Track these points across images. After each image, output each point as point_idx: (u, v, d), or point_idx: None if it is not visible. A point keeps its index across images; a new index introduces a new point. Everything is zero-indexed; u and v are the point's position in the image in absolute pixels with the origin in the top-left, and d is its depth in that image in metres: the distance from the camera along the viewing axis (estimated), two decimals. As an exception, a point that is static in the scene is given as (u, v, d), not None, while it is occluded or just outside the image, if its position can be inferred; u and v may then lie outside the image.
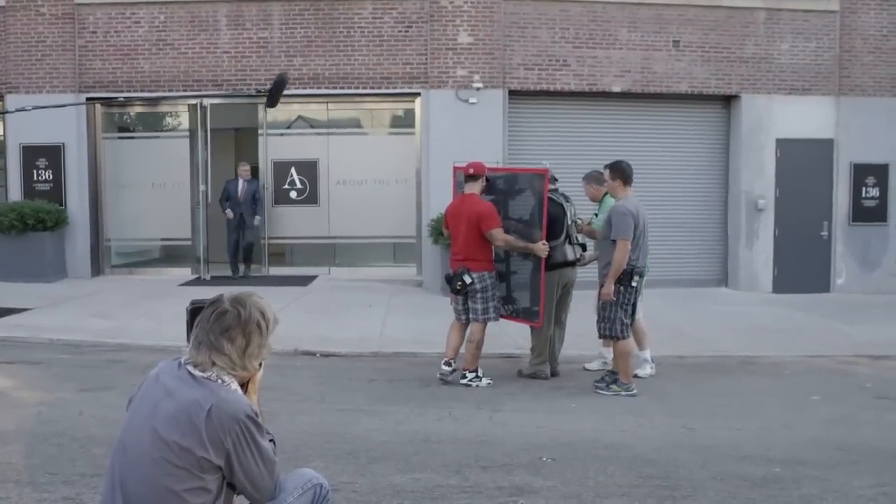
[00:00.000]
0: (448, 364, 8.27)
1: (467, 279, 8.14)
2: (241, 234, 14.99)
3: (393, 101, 15.32)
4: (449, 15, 14.35)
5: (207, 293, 3.22)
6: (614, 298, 7.81)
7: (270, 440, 3.10)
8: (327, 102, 15.27)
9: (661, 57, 14.95)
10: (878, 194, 15.55)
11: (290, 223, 15.55)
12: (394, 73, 14.44)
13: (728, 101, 15.51)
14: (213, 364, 2.91)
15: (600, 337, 8.25)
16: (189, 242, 15.64)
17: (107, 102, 14.92)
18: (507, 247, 8.33)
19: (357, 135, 15.91)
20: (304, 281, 14.69)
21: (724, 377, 8.90)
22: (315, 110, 15.62)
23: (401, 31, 14.46)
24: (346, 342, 10.01)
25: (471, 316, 8.28)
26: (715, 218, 15.49)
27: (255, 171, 15.47)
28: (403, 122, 15.62)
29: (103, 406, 6.94)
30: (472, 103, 14.26)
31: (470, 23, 14.34)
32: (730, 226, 15.41)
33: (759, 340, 10.72)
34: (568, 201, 8.66)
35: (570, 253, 8.60)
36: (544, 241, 8.16)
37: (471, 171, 8.32)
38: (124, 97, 14.71)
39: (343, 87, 14.55)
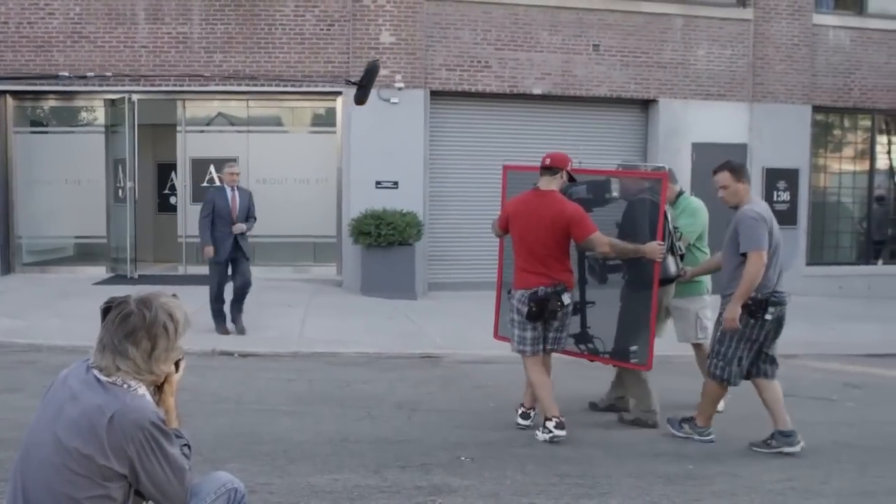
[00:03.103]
0: (526, 415, 6.87)
1: (566, 299, 6.51)
2: (234, 269, 10.62)
3: (314, 99, 15.21)
4: (371, 14, 14.31)
5: (123, 292, 3.15)
6: (739, 327, 6.19)
7: (185, 444, 3.04)
8: (248, 100, 15.08)
9: (581, 60, 15.14)
10: (788, 198, 16.02)
11: (208, 221, 15.30)
12: (315, 71, 14.34)
13: (646, 105, 15.78)
14: (118, 369, 2.81)
15: (708, 376, 6.54)
16: (104, 240, 15.30)
17: (20, 96, 14.55)
18: (615, 252, 6.53)
19: (278, 133, 15.75)
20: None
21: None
22: (235, 107, 15.41)
23: (323, 30, 14.38)
24: (264, 342, 9.93)
25: (551, 346, 6.74)
26: (633, 220, 15.68)
27: (171, 169, 15.05)
28: (325, 120, 15.52)
29: (12, 409, 6.75)
30: (394, 103, 14.24)
31: (392, 23, 14.32)
32: (647, 228, 15.61)
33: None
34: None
35: (673, 266, 6.88)
36: (659, 241, 6.50)
37: (547, 161, 6.65)
38: (89, 90, 14.29)
39: (264, 85, 14.40)
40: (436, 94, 14.70)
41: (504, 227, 6.83)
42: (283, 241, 15.39)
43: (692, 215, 7.26)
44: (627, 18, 15.31)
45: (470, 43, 14.72)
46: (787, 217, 15.94)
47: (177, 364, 3.08)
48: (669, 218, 6.74)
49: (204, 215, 10.41)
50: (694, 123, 15.54)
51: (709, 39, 15.71)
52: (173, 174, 16.33)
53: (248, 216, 10.65)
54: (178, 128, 15.22)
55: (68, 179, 15.11)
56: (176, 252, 15.46)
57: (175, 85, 14.36)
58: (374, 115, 14.22)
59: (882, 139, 17.63)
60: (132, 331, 2.84)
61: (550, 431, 6.37)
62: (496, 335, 7.70)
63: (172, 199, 16.52)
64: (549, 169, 6.62)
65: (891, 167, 17.71)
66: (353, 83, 7.42)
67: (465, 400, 7.78)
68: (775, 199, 15.90)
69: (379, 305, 12.67)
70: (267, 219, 15.10)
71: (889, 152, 17.71)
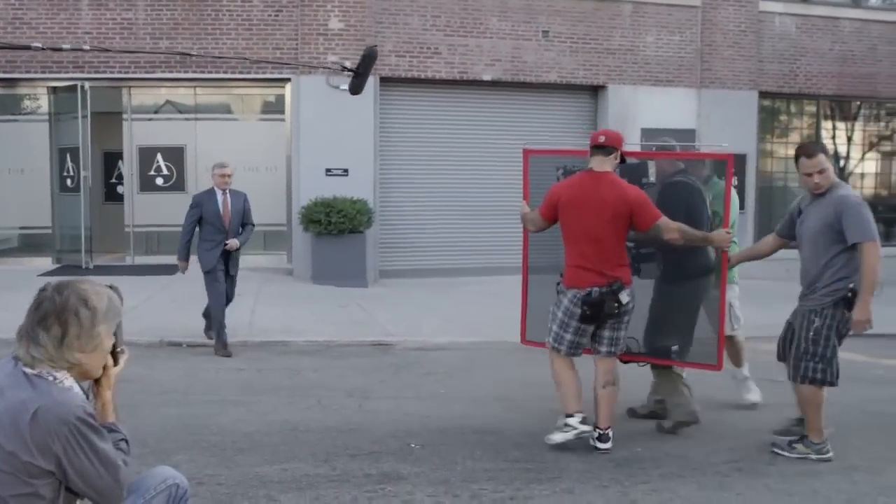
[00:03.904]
0: (585, 420, 5.89)
1: (624, 298, 5.74)
2: (228, 281, 9.40)
3: (263, 86, 15.08)
4: (320, 0, 14.19)
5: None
6: (871, 326, 5.53)
7: (122, 439, 2.95)
8: (195, 87, 14.90)
9: (531, 47, 15.16)
10: (736, 183, 16.00)
11: (156, 211, 15.10)
12: (263, 57, 14.19)
13: (595, 91, 15.86)
14: (34, 358, 2.71)
15: (802, 381, 5.73)
16: (49, 231, 15.04)
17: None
18: (683, 239, 5.82)
19: (226, 120, 15.57)
20: (172, 270, 14.20)
21: (590, 361, 9.08)
22: (183, 95, 15.21)
23: (271, 16, 14.23)
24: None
25: (607, 349, 5.95)
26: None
27: (118, 157, 14.81)
28: (274, 107, 15.38)
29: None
30: (343, 90, 14.12)
31: (341, 8, 14.22)
32: (598, 213, 15.71)
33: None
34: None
35: (713, 253, 6.32)
36: (727, 230, 6.02)
37: (601, 139, 5.89)
38: (31, 77, 14.00)
39: (211, 72, 14.22)
40: (385, 81, 14.64)
41: (550, 217, 6.02)
42: (232, 229, 15.23)
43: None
44: (576, 5, 15.35)
45: (419, 29, 14.67)
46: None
47: (116, 357, 2.99)
48: (708, 202, 6.25)
49: (187, 223, 9.25)
50: (643, 109, 15.65)
51: (657, 26, 15.82)
52: (120, 163, 16.09)
53: (244, 223, 9.47)
54: (124, 116, 14.98)
55: (11, 169, 14.82)
56: (124, 242, 15.25)
57: (120, 72, 14.13)
58: (323, 102, 14.13)
59: (827, 124, 17.92)
60: (44, 317, 2.73)
61: (575, 428, 5.78)
62: (524, 340, 7.05)
63: (119, 189, 16.29)
64: (602, 148, 5.84)
65: (836, 152, 17.99)
66: (350, 70, 7.19)
67: (416, 387, 7.78)
68: (724, 184, 16.05)
69: (330, 293, 12.61)
70: (215, 207, 14.99)
71: (834, 137, 17.99)
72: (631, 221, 5.77)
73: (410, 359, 9.02)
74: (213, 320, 9.14)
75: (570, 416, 5.84)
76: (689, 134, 15.86)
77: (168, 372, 8.05)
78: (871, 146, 18.26)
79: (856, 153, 18.28)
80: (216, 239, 9.14)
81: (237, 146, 15.04)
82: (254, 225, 9.75)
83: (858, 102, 18.11)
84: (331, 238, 13.51)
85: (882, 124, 18.80)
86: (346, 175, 14.23)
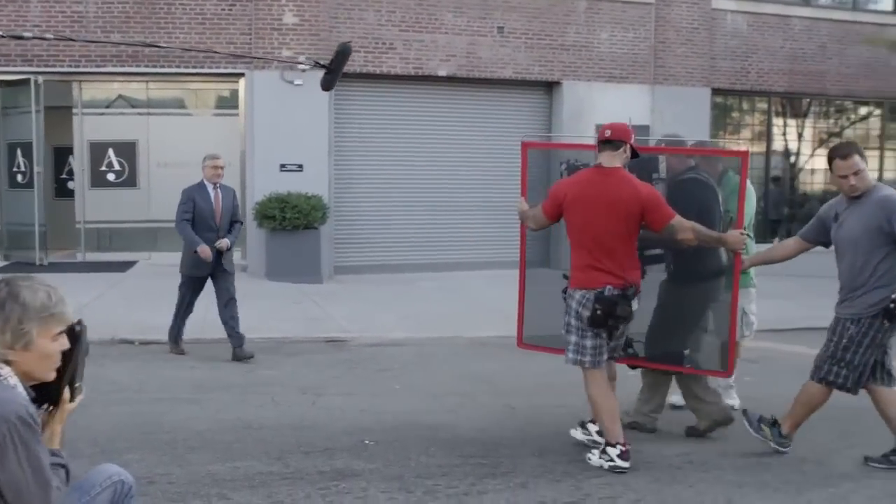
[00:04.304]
0: (624, 455, 5.42)
1: (635, 305, 5.47)
2: (216, 286, 8.89)
3: (216, 81, 14.93)
4: (274, -6, 14.09)
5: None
6: None
7: (62, 465, 2.83)
8: (147, 81, 14.71)
9: (486, 42, 15.17)
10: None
11: (108, 207, 14.91)
12: (217, 52, 14.05)
13: (550, 87, 15.92)
14: None
15: (819, 382, 5.57)
16: (-3, 226, 14.81)
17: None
18: (698, 239, 5.45)
19: (179, 115, 15.42)
20: (123, 267, 14.15)
21: (548, 356, 9.09)
22: (135, 89, 15.02)
23: (224, 10, 14.08)
24: (166, 329, 9.71)
25: (610, 354, 5.67)
26: (538, 201, 15.78)
27: (69, 152, 14.53)
28: (228, 103, 15.24)
29: None
30: (298, 85, 14.04)
31: (296, 2, 14.11)
32: (552, 209, 15.78)
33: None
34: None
35: (725, 255, 5.98)
36: (742, 230, 5.66)
37: (607, 133, 5.53)
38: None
39: (164, 66, 14.05)
40: (341, 76, 14.53)
41: (554, 215, 5.72)
42: (185, 225, 15.08)
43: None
44: (532, 1, 15.39)
45: (374, 24, 14.61)
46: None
47: (73, 392, 2.91)
48: (721, 200, 5.97)
49: (183, 216, 8.69)
50: (597, 105, 15.71)
51: (612, 22, 15.91)
52: (71, 158, 15.84)
53: (233, 220, 8.95)
54: (75, 110, 14.77)
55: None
56: (74, 239, 15.03)
57: (70, 66, 13.92)
58: (278, 97, 14.03)
59: (778, 121, 18.16)
60: None
61: (612, 460, 5.37)
62: (520, 343, 6.69)
63: (70, 185, 16.04)
64: (609, 142, 5.49)
65: (786, 148, 18.25)
66: (323, 66, 6.98)
67: (371, 383, 7.76)
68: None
69: (284, 290, 12.53)
70: (168, 204, 14.71)
71: (785, 134, 18.25)
72: (643, 220, 5.41)
73: (365, 355, 8.98)
74: (175, 319, 8.88)
75: (612, 445, 5.40)
76: (642, 130, 15.94)
77: (119, 370, 7.95)
78: (821, 143, 18.52)
79: (806, 150, 18.55)
80: (206, 238, 8.58)
81: (190, 141, 14.83)
82: (241, 222, 9.24)
83: (808, 99, 18.38)
84: (285, 234, 13.42)
85: (831, 121, 19.11)
86: (301, 171, 14.13)
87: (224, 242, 8.68)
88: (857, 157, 5.39)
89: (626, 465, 5.35)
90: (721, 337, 6.02)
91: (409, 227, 15.20)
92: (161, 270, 13.85)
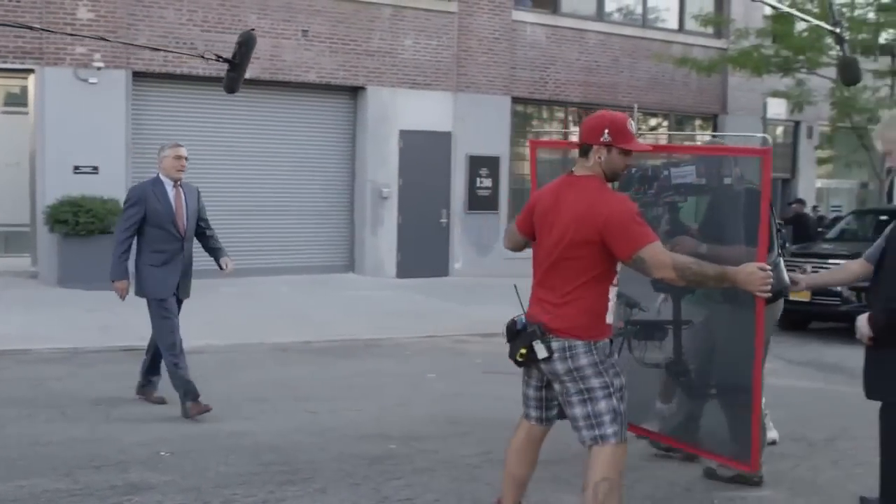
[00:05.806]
0: None
1: (539, 350, 4.02)
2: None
3: (4, 77, 14.14)
4: (67, -13, 13.48)
5: None
6: None
7: None
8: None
9: (291, 45, 15.07)
10: (490, 184, 16.86)
11: None
12: (3, 46, 13.30)
13: (355, 92, 15.98)
14: None
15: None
16: None
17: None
18: (684, 280, 3.97)
19: (-39, 112, 14.54)
20: None
21: (349, 360, 9.17)
22: None
23: (12, 1, 13.34)
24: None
25: (547, 413, 4.39)
26: (342, 206, 15.90)
27: None
28: (17, 100, 14.48)
29: None
30: (93, 83, 13.49)
31: (90, -3, 13.56)
32: (356, 213, 15.91)
33: (384, 323, 11.17)
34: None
35: (785, 274, 5.15)
36: (762, 265, 4.09)
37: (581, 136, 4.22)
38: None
39: (-58, 60, 13.20)
40: (139, 76, 14.10)
41: (526, 229, 4.45)
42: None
43: None
44: (336, 6, 15.40)
45: (175, 23, 14.23)
46: (488, 202, 16.81)
47: None
48: (775, 213, 4.97)
49: (125, 227, 6.89)
50: (402, 111, 15.94)
51: (416, 30, 16.14)
52: None
53: (202, 227, 7.23)
54: None
55: None
56: None
57: None
58: (71, 95, 13.42)
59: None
60: None
61: None
62: None
63: None
64: (579, 146, 4.21)
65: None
66: (225, 60, 5.81)
67: (169, 392, 7.53)
68: (478, 185, 16.70)
69: (78, 297, 11.99)
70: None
71: (580, 142, 18.98)
72: (603, 245, 3.97)
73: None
74: (174, 377, 6.82)
75: None
76: (445, 136, 16.34)
77: None
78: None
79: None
80: (168, 250, 6.88)
81: (-26, 140, 14.08)
82: (211, 229, 7.39)
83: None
84: (79, 239, 12.84)
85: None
86: (97, 173, 13.56)
87: (230, 265, 7.38)
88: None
89: None
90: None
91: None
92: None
